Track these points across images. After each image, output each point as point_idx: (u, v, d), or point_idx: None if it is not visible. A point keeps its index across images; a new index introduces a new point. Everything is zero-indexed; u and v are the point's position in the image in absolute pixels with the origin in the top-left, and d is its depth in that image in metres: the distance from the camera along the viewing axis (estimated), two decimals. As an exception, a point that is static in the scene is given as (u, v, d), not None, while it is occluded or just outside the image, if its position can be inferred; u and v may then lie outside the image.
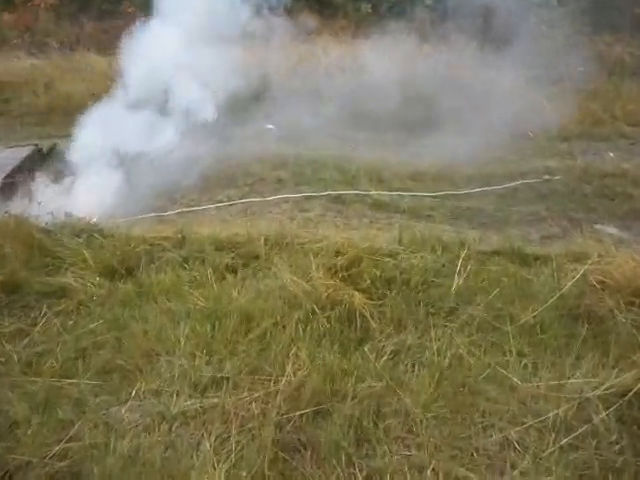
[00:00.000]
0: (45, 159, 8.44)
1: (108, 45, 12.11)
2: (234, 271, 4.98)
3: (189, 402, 3.58)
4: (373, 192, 7.15)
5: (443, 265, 4.96)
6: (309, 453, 3.29)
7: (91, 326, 4.21)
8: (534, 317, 4.31)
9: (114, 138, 7.29)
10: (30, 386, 3.67)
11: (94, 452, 3.25)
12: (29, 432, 3.34)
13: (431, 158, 7.90)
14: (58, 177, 7.33)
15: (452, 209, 6.81)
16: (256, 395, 3.58)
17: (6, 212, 5.43)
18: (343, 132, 8.91)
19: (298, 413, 3.46)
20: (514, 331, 4.17)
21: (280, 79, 10.15)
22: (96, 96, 8.17)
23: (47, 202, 6.07)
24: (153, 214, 6.42)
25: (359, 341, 4.10)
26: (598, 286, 4.47)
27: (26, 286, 4.61)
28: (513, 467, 3.25)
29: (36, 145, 8.60)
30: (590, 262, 4.58)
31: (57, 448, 3.24)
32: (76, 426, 3.41)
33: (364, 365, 3.85)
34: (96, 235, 5.26)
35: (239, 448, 3.26)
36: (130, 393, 3.68)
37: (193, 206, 6.72)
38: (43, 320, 4.28)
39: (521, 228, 6.38)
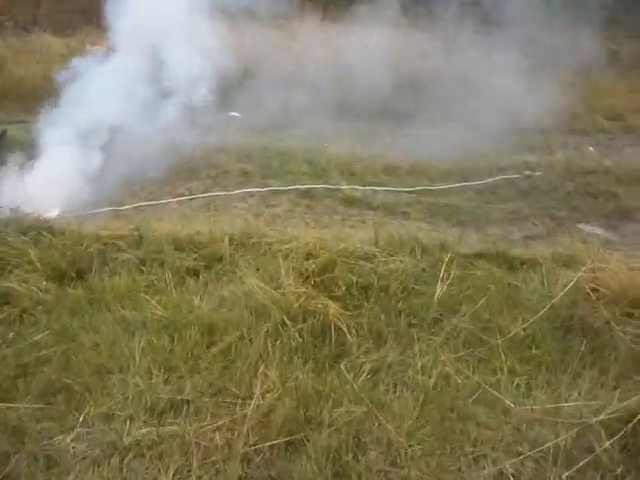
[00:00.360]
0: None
1: (66, 26, 11.55)
2: (195, 274, 4.57)
3: (144, 430, 3.15)
4: (345, 186, 6.75)
5: (424, 270, 4.60)
6: (280, 492, 2.90)
7: (35, 338, 3.76)
8: (524, 329, 3.97)
9: (69, 124, 6.74)
10: (-40, 412, 3.21)
11: (32, 493, 2.83)
12: (-44, 469, 2.89)
13: (406, 151, 7.51)
14: (6, 167, 6.77)
15: (429, 205, 6.45)
16: (220, 422, 3.17)
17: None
18: (313, 121, 8.46)
19: (268, 444, 3.06)
20: (504, 345, 3.83)
21: (246, 64, 9.67)
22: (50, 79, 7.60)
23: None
24: (108, 208, 5.93)
25: (335, 357, 3.71)
26: (592, 295, 4.13)
27: (-39, 292, 4.12)
28: (510, 506, 2.90)
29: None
30: (583, 269, 4.22)
31: (-11, 488, 2.81)
32: (13, 460, 2.97)
33: (341, 386, 3.46)
34: (44, 233, 4.79)
35: (201, 485, 2.86)
36: (77, 418, 3.24)
37: (152, 200, 6.24)
38: (-21, 331, 3.80)
39: (502, 227, 6.04)
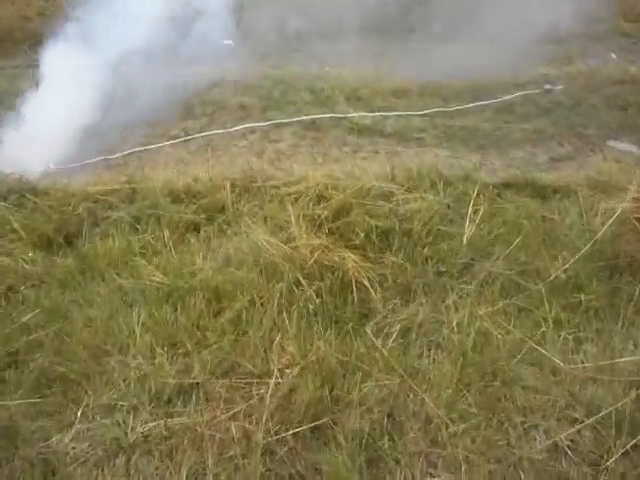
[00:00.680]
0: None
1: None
2: (196, 229, 4.18)
3: (151, 424, 2.80)
4: (352, 114, 6.22)
5: (448, 206, 4.18)
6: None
7: (24, 319, 3.37)
8: (565, 271, 3.55)
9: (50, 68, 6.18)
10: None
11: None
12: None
13: (415, 70, 6.92)
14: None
15: (444, 129, 5.92)
16: (236, 409, 2.81)
17: None
18: (312, 45, 7.84)
19: (291, 432, 2.70)
20: (545, 291, 3.42)
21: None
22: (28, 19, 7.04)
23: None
24: (97, 159, 5.43)
25: (359, 320, 3.32)
26: (639, 227, 3.68)
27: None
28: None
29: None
30: (628, 199, 3.76)
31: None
32: (6, 470, 2.62)
33: (368, 354, 3.09)
34: (28, 195, 4.35)
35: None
36: (76, 412, 2.89)
37: (144, 145, 5.74)
38: (-40, 315, 3.42)
39: (525, 149, 5.53)
